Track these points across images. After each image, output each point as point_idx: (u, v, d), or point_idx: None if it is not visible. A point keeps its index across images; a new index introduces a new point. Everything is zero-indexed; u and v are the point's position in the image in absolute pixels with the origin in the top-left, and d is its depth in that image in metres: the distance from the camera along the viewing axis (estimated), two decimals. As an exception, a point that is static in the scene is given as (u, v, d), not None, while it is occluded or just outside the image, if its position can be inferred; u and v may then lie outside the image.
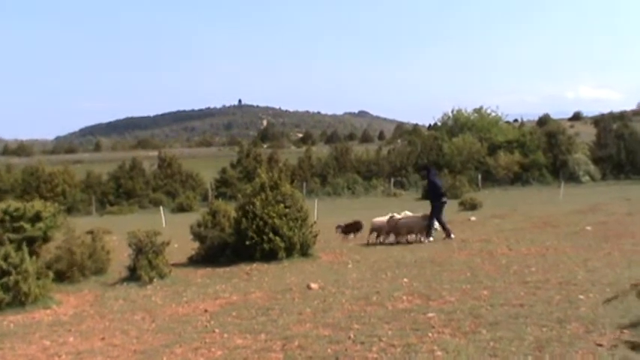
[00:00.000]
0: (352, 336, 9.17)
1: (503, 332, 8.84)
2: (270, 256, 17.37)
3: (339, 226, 23.11)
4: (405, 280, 13.60)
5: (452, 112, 73.99)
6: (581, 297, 10.79)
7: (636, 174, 57.49)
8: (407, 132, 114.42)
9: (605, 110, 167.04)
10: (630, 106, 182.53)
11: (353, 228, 22.67)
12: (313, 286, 13.34)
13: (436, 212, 20.68)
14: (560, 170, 58.90)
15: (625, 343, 3.78)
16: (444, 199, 21.15)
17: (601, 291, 11.11)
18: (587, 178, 58.97)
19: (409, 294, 12.05)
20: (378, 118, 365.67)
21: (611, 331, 8.60)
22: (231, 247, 18.09)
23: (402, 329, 9.41)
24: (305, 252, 17.98)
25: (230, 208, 19.88)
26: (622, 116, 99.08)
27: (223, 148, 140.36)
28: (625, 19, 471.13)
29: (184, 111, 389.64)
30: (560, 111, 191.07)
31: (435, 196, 21.05)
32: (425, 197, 22.27)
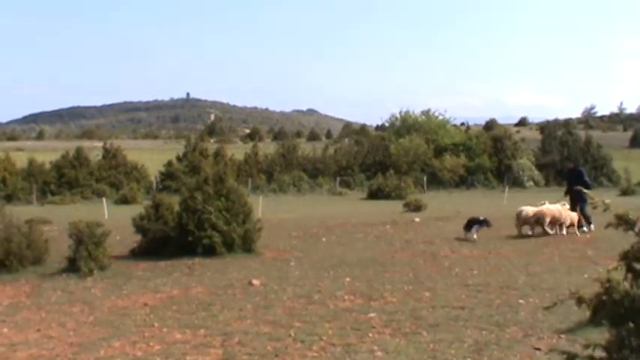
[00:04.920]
0: (293, 334, 9.15)
1: (443, 334, 8.91)
2: (212, 251, 17.21)
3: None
4: (348, 279, 13.62)
5: (400, 113, 74.42)
6: (521, 301, 10.94)
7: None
8: (354, 131, 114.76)
9: (548, 116, 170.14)
10: (572, 113, 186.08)
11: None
12: (255, 282, 13.28)
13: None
14: (504, 175, 59.67)
15: (562, 354, 3.78)
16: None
17: (541, 296, 11.27)
18: (531, 183, 59.86)
19: (351, 293, 12.08)
20: (326, 116, 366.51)
21: (549, 335, 8.74)
22: (174, 240, 17.88)
23: (343, 328, 9.42)
24: (248, 248, 17.86)
25: (174, 202, 19.68)
26: (567, 123, 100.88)
27: (170, 141, 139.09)
28: (565, 26, 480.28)
29: (131, 102, 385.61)
30: (505, 115, 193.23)
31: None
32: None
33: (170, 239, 18.00)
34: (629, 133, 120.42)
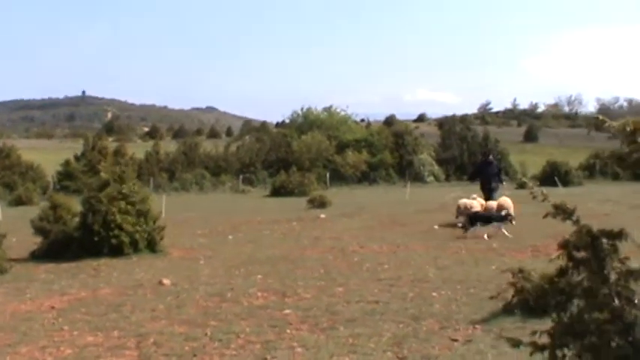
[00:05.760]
0: (209, 333, 9.01)
1: (361, 329, 8.93)
2: (117, 251, 16.83)
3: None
4: (259, 276, 13.53)
5: (301, 110, 74.62)
6: (434, 294, 11.08)
7: (470, 177, 59.61)
8: (255, 129, 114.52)
9: (444, 112, 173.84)
10: (468, 109, 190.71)
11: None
12: (165, 282, 13.03)
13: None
14: (406, 170, 60.49)
15: (508, 340, 3.80)
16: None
17: (452, 288, 11.45)
18: (431, 178, 60.90)
19: (264, 290, 12.00)
20: (226, 114, 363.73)
21: (465, 327, 8.86)
22: (77, 241, 17.41)
23: (260, 326, 9.33)
24: (153, 247, 17.56)
25: (73, 202, 19.18)
26: (464, 119, 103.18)
27: (66, 140, 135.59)
28: (457, 24, 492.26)
29: (23, 100, 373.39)
30: (403, 112, 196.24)
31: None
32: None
33: (73, 240, 17.51)
34: (523, 128, 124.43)
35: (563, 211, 3.52)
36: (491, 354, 7.63)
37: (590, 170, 59.22)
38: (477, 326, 8.82)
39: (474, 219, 19.06)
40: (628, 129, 3.33)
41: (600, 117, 3.63)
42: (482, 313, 9.45)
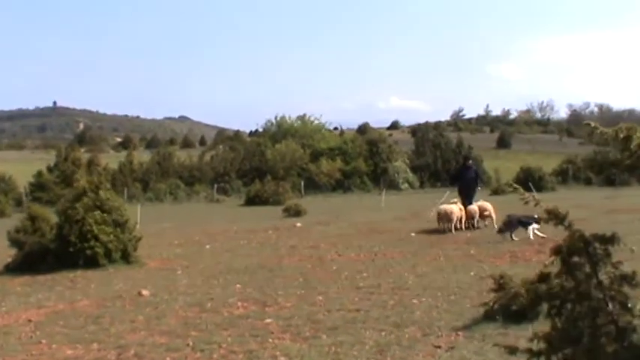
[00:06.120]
0: (191, 343, 8.93)
1: (344, 337, 8.89)
2: (93, 262, 16.68)
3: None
4: (238, 286, 13.46)
5: (275, 118, 74.72)
6: (415, 301, 11.05)
7: (450, 182, 59.86)
8: (228, 138, 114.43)
9: (417, 119, 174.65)
10: (441, 116, 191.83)
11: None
12: (144, 292, 12.92)
13: None
14: (380, 177, 60.62)
15: (505, 348, 3.80)
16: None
17: (433, 295, 11.43)
18: (406, 185, 61.11)
19: (244, 300, 11.93)
20: (198, 123, 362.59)
21: (447, 333, 8.85)
22: (53, 253, 17.23)
23: (241, 335, 9.27)
24: (129, 258, 17.43)
25: (49, 213, 19.02)
26: (437, 126, 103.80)
27: (37, 151, 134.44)
28: (428, 32, 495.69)
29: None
30: (376, 119, 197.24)
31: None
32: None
33: (49, 252, 17.33)
34: (496, 135, 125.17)
35: (555, 216, 3.52)
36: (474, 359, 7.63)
37: (563, 176, 59.70)
38: (459, 333, 8.81)
39: (514, 223, 18.71)
40: (621, 135, 3.35)
41: (592, 124, 3.63)
42: (463, 320, 9.44)
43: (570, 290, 3.39)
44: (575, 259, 3.46)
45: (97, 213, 17.16)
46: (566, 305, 3.40)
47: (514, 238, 18.29)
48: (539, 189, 45.89)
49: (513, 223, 18.56)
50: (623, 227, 15.39)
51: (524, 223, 18.43)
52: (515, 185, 4.09)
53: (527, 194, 3.78)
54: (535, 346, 3.48)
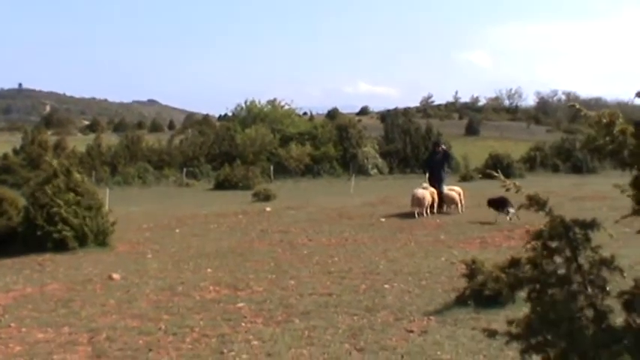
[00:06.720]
0: (163, 327, 8.91)
1: (316, 321, 8.93)
2: (62, 245, 16.52)
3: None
4: (209, 270, 13.43)
5: (245, 103, 74.31)
6: (386, 286, 11.11)
7: (421, 168, 60.03)
8: (197, 122, 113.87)
9: (386, 105, 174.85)
10: (409, 103, 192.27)
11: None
12: (115, 276, 12.84)
13: None
14: (350, 163, 60.62)
15: (483, 331, 3.84)
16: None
17: (404, 280, 11.50)
18: (375, 171, 61.12)
19: (215, 284, 11.91)
20: (167, 107, 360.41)
21: (419, 318, 8.91)
22: (20, 236, 17.06)
23: (214, 319, 9.26)
24: (101, 242, 17.30)
25: (16, 196, 18.82)
26: (406, 112, 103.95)
27: (2, 133, 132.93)
28: (396, 18, 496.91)
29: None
30: (344, 105, 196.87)
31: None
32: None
33: (16, 235, 17.16)
34: (465, 121, 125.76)
35: (537, 202, 3.55)
36: (447, 344, 7.69)
37: (531, 163, 60.13)
38: (431, 317, 8.88)
39: (499, 204, 18.93)
40: (604, 120, 3.38)
41: (577, 106, 3.66)
42: (435, 305, 9.52)
43: (551, 274, 3.43)
44: (556, 243, 3.50)
45: (71, 195, 17.01)
46: (547, 289, 3.44)
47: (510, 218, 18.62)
48: (508, 175, 44.08)
49: (508, 204, 18.57)
50: (590, 214, 15.52)
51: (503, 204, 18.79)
52: (494, 173, 4.10)
53: (508, 181, 3.80)
54: (514, 329, 3.52)
